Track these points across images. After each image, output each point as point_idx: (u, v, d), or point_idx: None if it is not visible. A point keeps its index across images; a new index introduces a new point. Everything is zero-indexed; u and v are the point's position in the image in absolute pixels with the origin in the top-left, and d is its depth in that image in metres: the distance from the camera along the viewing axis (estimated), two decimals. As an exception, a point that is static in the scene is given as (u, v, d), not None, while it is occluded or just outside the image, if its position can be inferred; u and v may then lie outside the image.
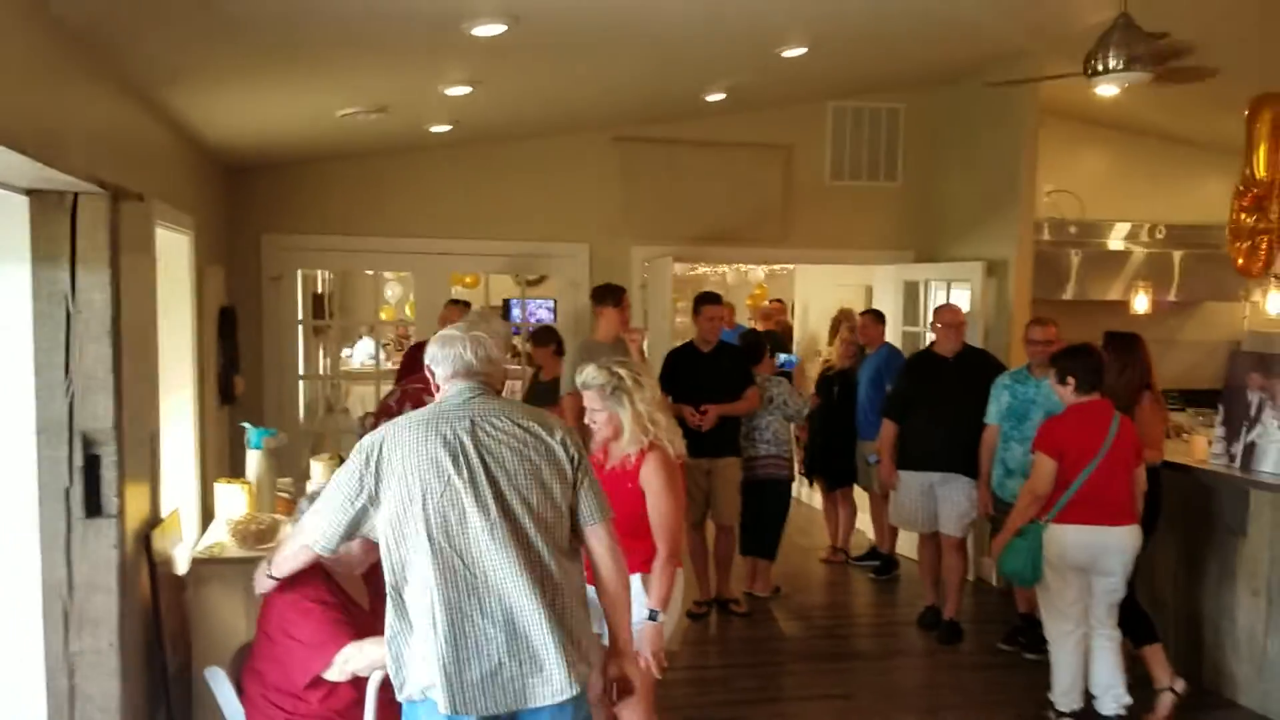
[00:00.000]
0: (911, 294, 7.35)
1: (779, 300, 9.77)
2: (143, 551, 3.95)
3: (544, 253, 7.08)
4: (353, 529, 2.50)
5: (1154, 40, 4.51)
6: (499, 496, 2.43)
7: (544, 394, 6.16)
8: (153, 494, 4.21)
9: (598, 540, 2.62)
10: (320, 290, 10.45)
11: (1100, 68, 4.47)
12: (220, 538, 4.41)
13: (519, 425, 2.51)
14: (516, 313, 12.44)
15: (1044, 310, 6.03)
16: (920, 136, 7.30)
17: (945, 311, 5.74)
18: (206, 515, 5.07)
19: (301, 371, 7.12)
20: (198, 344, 5.07)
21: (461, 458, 2.43)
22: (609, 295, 5.59)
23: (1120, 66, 4.43)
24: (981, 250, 6.76)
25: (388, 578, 2.46)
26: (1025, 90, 6.17)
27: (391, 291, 11.41)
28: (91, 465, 2.80)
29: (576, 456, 2.57)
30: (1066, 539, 4.31)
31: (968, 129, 6.98)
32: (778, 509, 6.26)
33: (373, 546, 2.70)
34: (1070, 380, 4.40)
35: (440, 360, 2.58)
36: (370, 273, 10.20)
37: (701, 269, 12.53)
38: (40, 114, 2.82)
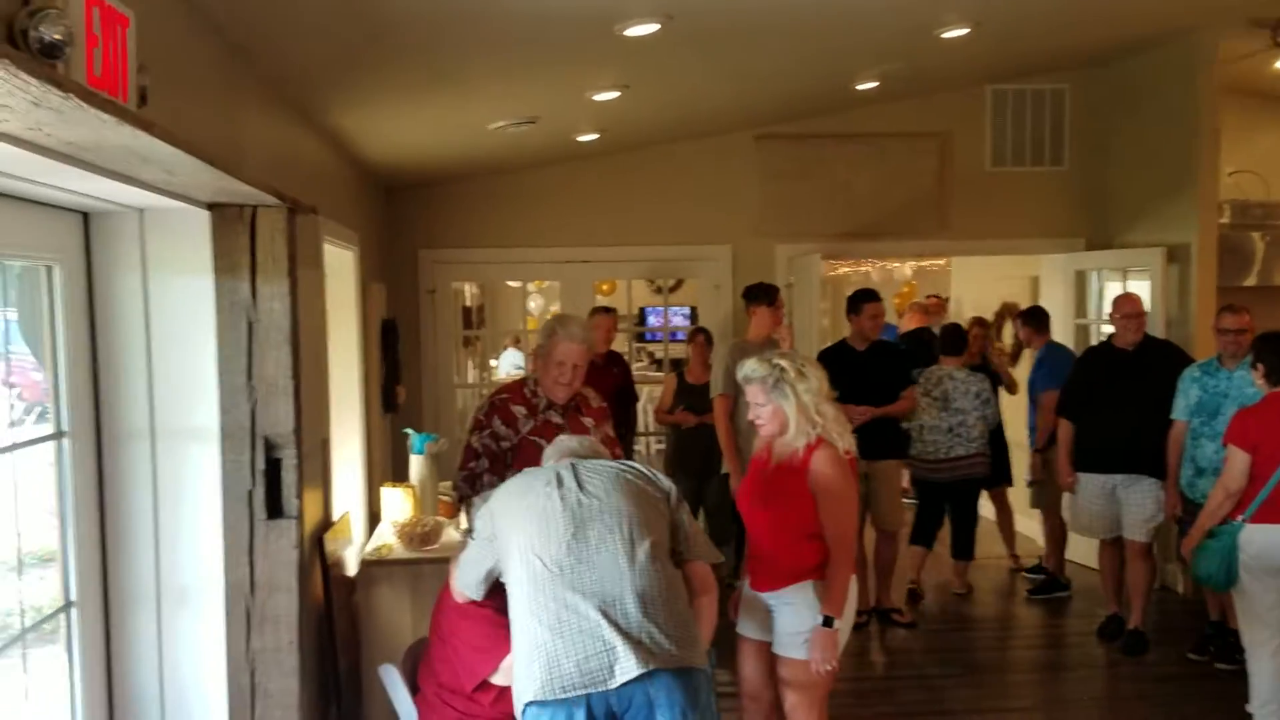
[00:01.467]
0: (1082, 284, 6.97)
1: (936, 296, 9.41)
2: (317, 553, 4.07)
3: (687, 256, 7.04)
4: (489, 575, 2.77)
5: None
6: (591, 502, 2.64)
7: (691, 396, 6.10)
8: (325, 498, 4.34)
9: (694, 576, 2.80)
10: (468, 304, 10.72)
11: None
12: (387, 539, 4.52)
13: (611, 463, 2.86)
14: (653, 320, 12.49)
15: (1228, 297, 5.61)
16: (1087, 118, 6.92)
17: (1125, 301, 5.41)
18: (372, 518, 5.21)
19: (455, 380, 7.28)
20: (363, 356, 5.23)
21: (554, 482, 2.72)
22: (763, 294, 5.47)
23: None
24: (1158, 235, 6.36)
25: (511, 599, 2.66)
26: (1203, 66, 5.79)
27: (534, 303, 11.62)
28: (273, 468, 2.88)
29: (672, 488, 2.84)
30: (1264, 539, 4.02)
31: (1140, 108, 6.57)
32: (975, 507, 6.16)
33: None
34: (1260, 367, 4.14)
35: (550, 455, 3.03)
36: (516, 284, 10.37)
37: (843, 269, 12.26)
38: (222, 129, 2.94)
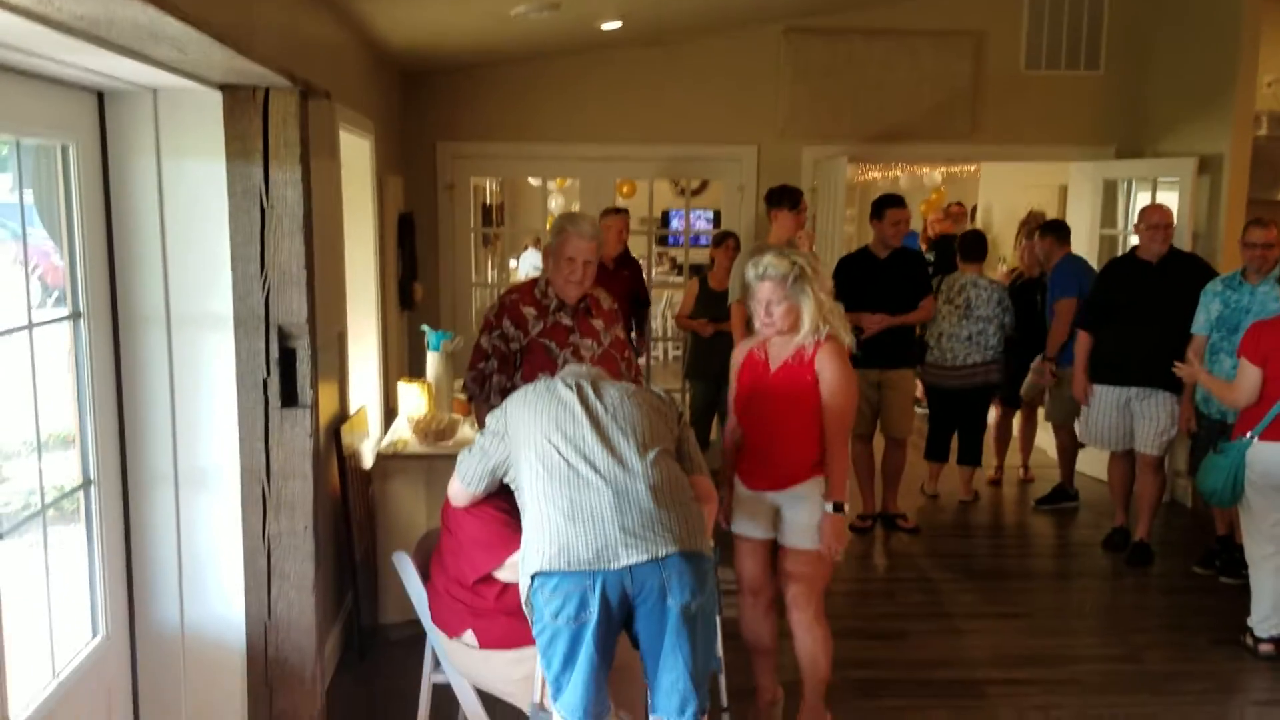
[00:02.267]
0: (1110, 194, 6.84)
1: (959, 204, 9.27)
2: (333, 445, 4.13)
3: (711, 155, 6.90)
4: (493, 471, 2.80)
5: None
6: (607, 407, 2.70)
7: (714, 301, 6.06)
8: (341, 391, 4.38)
9: (696, 486, 2.78)
10: (489, 201, 10.65)
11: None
12: (403, 434, 4.57)
13: (625, 384, 2.88)
14: (676, 223, 12.37)
15: (1259, 211, 5.50)
16: (1126, 21, 6.68)
17: (1153, 211, 5.30)
18: (389, 414, 5.26)
19: (473, 279, 7.25)
20: (379, 250, 5.20)
21: (571, 384, 2.76)
22: (785, 197, 5.33)
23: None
24: (1191, 145, 6.21)
25: (522, 491, 2.68)
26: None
27: (555, 202, 11.53)
28: (287, 358, 2.89)
29: (681, 411, 2.95)
30: (1271, 457, 4.04)
31: (1180, 12, 6.36)
32: (985, 415, 6.27)
33: None
34: None
35: (562, 376, 2.97)
36: (536, 183, 10.26)
37: (872, 174, 12.08)
38: (233, 7, 2.86)
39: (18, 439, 2.59)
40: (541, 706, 2.73)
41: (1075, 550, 5.74)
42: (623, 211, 6.23)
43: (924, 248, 8.80)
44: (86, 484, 2.72)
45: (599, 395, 2.74)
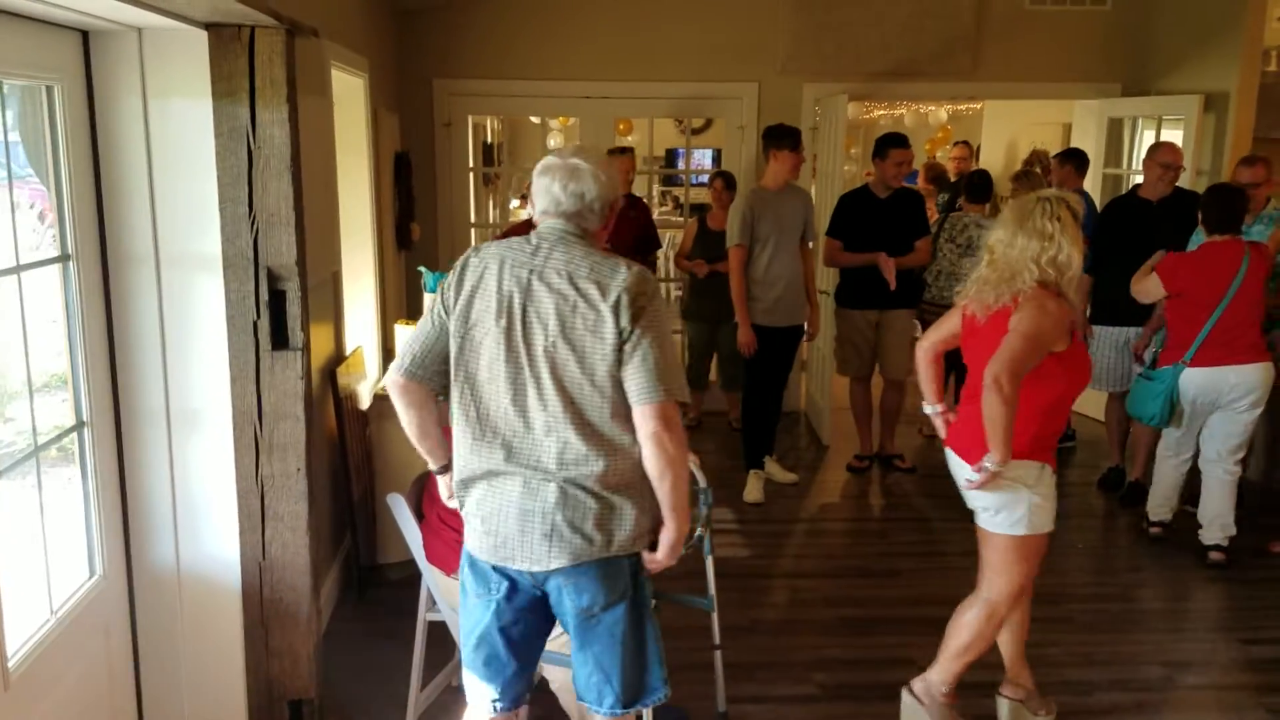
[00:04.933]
0: (1115, 132, 6.74)
1: (965, 143, 9.16)
2: (328, 386, 4.14)
3: (712, 94, 6.79)
4: (431, 345, 2.37)
5: None
6: (531, 360, 2.24)
7: (713, 242, 6.03)
8: (336, 332, 4.38)
9: (640, 421, 2.24)
10: (490, 140, 10.55)
11: None
12: (399, 375, 4.57)
13: (575, 287, 2.23)
14: (679, 162, 12.24)
15: (1265, 149, 5.43)
16: (1135, -48, 6.55)
17: (1166, 151, 5.24)
18: (387, 355, 5.27)
19: (473, 220, 7.20)
20: (375, 189, 5.16)
21: (505, 311, 2.25)
22: (786, 137, 5.22)
23: None
24: (1197, 83, 6.10)
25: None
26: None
27: (554, 141, 11.41)
28: (277, 300, 2.88)
29: (628, 328, 2.21)
30: (1201, 381, 4.45)
31: (1190, -57, 6.22)
32: None
33: None
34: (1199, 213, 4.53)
35: (536, 193, 2.35)
36: (537, 121, 10.16)
37: (876, 112, 11.93)
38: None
39: (14, 380, 2.60)
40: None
41: (1071, 490, 5.76)
42: (628, 151, 6.16)
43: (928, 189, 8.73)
44: (80, 425, 2.73)
45: (528, 334, 2.24)
